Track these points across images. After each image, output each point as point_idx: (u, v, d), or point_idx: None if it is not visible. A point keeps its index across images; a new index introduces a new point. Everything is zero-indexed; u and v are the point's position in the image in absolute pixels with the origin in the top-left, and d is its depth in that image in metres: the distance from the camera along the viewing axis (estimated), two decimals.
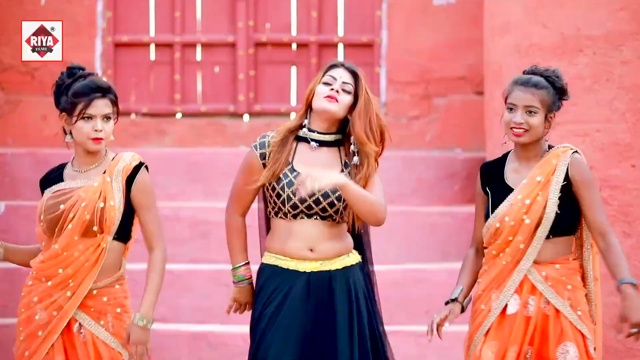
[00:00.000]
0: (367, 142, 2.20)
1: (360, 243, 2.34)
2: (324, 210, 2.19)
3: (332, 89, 2.21)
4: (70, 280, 2.19)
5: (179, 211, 4.44)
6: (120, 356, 2.21)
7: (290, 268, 2.22)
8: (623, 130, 3.65)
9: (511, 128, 2.24)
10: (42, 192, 2.29)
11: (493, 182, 2.31)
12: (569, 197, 2.24)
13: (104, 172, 2.24)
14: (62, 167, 2.33)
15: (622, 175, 3.59)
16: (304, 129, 2.25)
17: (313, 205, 2.18)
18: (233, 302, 2.33)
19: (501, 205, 2.24)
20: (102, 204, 2.18)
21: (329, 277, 2.21)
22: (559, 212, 2.21)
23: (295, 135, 2.26)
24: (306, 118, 2.26)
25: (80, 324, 2.20)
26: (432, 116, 5.13)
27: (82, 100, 2.19)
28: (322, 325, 2.19)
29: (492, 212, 2.25)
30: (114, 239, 2.24)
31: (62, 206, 2.19)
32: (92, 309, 2.21)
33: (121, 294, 2.27)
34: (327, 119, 2.24)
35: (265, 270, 2.27)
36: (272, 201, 2.23)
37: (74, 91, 2.20)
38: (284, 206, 2.20)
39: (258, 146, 2.26)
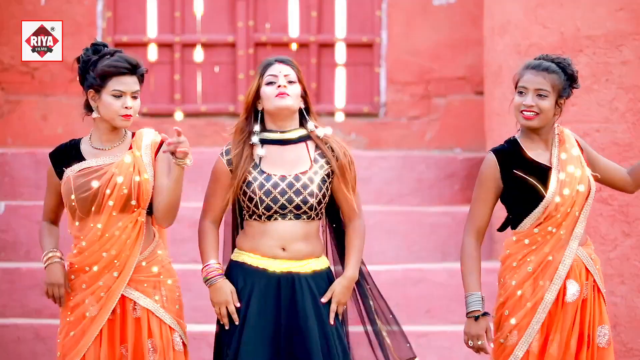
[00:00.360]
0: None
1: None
2: (297, 207, 2.23)
3: (279, 86, 2.24)
4: (115, 261, 2.21)
5: (179, 212, 4.43)
6: (173, 332, 2.25)
7: (260, 267, 2.24)
8: (623, 130, 3.65)
9: (521, 111, 2.25)
10: (56, 170, 2.28)
11: (520, 166, 2.28)
12: None
13: (130, 148, 2.26)
14: (76, 144, 2.31)
15: None
16: (263, 133, 2.29)
17: (286, 204, 2.22)
18: (216, 307, 2.29)
19: (551, 181, 2.24)
20: (137, 178, 2.21)
21: (298, 279, 2.23)
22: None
23: (260, 139, 2.28)
24: (256, 122, 2.30)
25: (135, 302, 2.22)
26: (433, 116, 5.13)
27: (112, 77, 2.21)
28: (293, 327, 2.21)
29: (546, 190, 2.24)
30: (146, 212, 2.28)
31: (94, 183, 2.20)
32: (146, 284, 2.24)
33: (166, 259, 2.33)
34: (286, 116, 2.28)
35: (234, 268, 2.29)
36: (245, 205, 2.26)
37: (103, 67, 2.21)
38: (258, 209, 2.23)
39: (224, 153, 2.31)
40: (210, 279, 2.26)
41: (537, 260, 2.24)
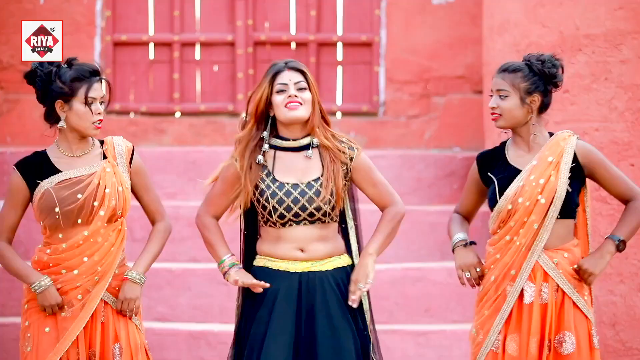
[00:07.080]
0: (324, 126, 2.27)
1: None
2: (311, 215, 2.20)
3: (289, 96, 2.19)
4: (98, 267, 2.22)
5: (178, 210, 4.42)
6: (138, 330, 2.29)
7: (281, 269, 2.22)
8: (622, 129, 3.65)
9: (491, 114, 2.29)
10: (28, 182, 2.24)
11: (496, 167, 2.30)
12: (576, 179, 2.26)
13: (105, 158, 2.27)
14: (44, 155, 2.30)
15: None
16: (275, 140, 2.25)
17: (300, 213, 2.20)
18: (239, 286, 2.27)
19: (510, 186, 2.24)
20: (120, 188, 2.23)
21: (320, 277, 2.21)
22: (569, 190, 2.23)
23: (269, 145, 2.24)
24: (264, 130, 2.24)
25: (105, 302, 2.24)
26: (431, 115, 5.13)
27: (83, 84, 2.19)
28: (317, 325, 2.19)
29: (499, 196, 2.24)
30: None
31: (80, 195, 2.19)
32: (117, 288, 2.27)
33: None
34: (299, 125, 2.23)
35: (256, 272, 2.26)
36: (259, 212, 2.25)
37: (73, 75, 2.19)
38: (272, 217, 2.21)
39: (237, 158, 2.26)
40: (230, 267, 2.26)
41: (499, 270, 2.25)
